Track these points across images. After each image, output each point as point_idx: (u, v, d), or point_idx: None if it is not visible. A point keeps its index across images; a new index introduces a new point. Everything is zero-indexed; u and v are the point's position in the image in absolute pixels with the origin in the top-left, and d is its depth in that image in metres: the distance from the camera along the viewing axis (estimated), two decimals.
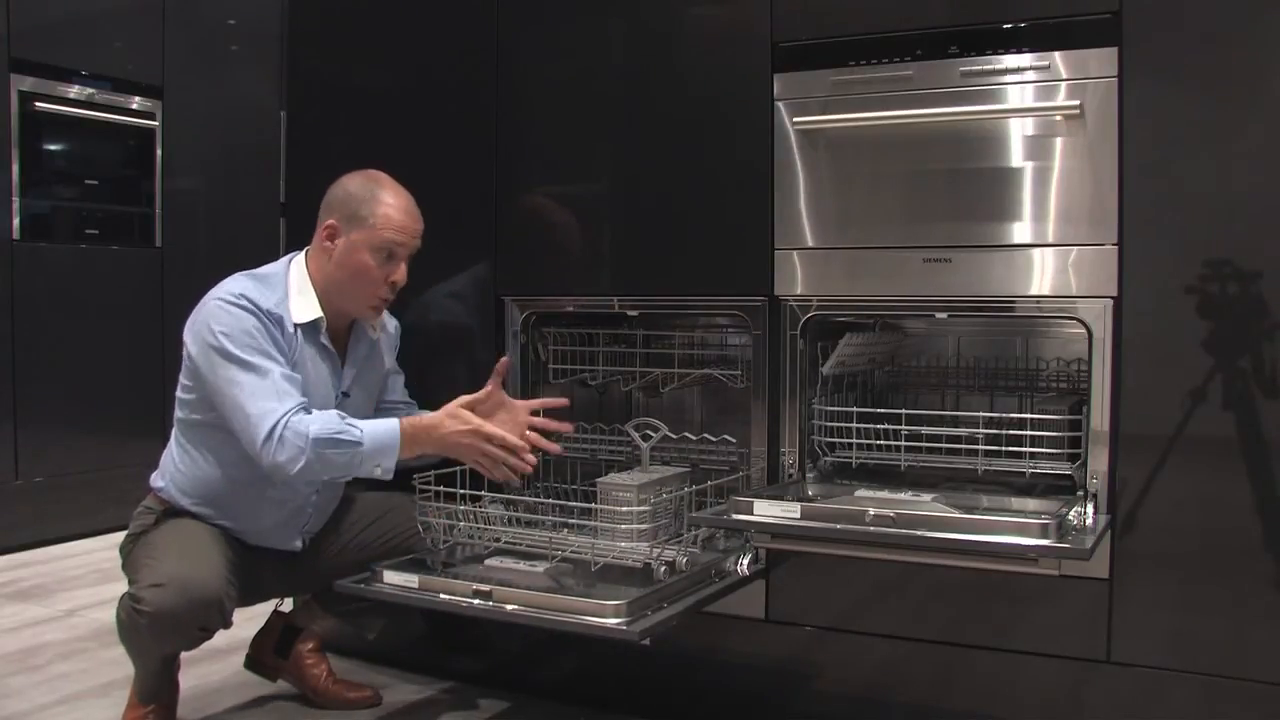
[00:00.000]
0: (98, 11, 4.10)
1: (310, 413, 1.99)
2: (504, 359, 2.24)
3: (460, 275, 2.47)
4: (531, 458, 2.06)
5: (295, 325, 2.10)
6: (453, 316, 2.48)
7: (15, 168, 3.77)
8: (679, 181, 2.23)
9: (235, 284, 2.08)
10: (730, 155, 2.18)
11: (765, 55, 2.13)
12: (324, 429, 1.96)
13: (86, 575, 3.49)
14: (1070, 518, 1.82)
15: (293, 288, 2.13)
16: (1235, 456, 1.80)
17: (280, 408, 1.96)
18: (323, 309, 2.14)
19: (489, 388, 2.15)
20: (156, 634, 1.98)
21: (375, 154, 2.29)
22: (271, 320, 2.05)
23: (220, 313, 2.03)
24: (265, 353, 2.01)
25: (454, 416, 2.04)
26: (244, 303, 2.03)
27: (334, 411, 2.03)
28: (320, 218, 2.16)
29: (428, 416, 2.08)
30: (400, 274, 2.15)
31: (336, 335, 2.20)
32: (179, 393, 2.14)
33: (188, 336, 2.07)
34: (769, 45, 2.13)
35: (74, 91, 3.98)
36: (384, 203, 2.12)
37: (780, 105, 2.12)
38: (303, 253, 2.20)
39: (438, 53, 2.50)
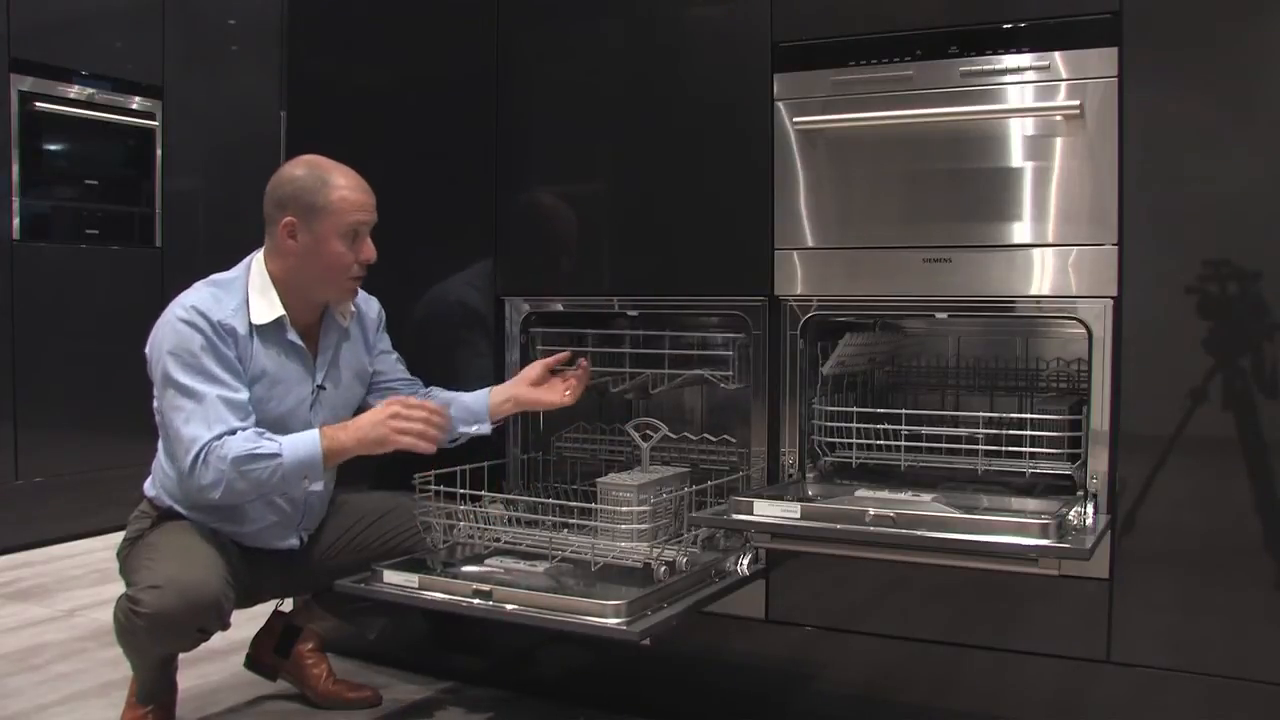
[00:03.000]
0: (98, 11, 4.10)
1: (235, 435, 1.99)
2: (583, 361, 2.31)
3: (460, 274, 2.46)
4: (430, 447, 2.05)
5: (253, 327, 2.09)
6: (453, 316, 2.47)
7: (15, 168, 3.77)
8: (679, 181, 2.23)
9: (191, 295, 2.08)
10: (730, 155, 2.17)
11: (765, 55, 2.13)
12: (240, 448, 1.97)
13: (86, 575, 3.49)
14: (1070, 518, 1.82)
15: (253, 289, 2.12)
16: (1235, 456, 1.80)
17: (207, 434, 1.97)
18: (285, 305, 2.13)
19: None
20: (154, 635, 1.98)
21: (375, 154, 2.29)
22: (223, 332, 2.04)
23: (169, 331, 2.03)
24: (207, 374, 2.01)
25: (374, 410, 2.08)
26: (193, 317, 2.02)
27: (252, 430, 2.02)
28: (272, 216, 2.11)
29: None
30: (368, 250, 2.13)
31: (308, 329, 2.19)
32: (155, 403, 2.13)
33: (147, 353, 2.07)
34: (769, 45, 2.13)
35: (74, 91, 3.98)
36: (338, 186, 2.10)
37: (780, 105, 2.12)
38: (261, 251, 2.17)
39: (438, 53, 2.50)
